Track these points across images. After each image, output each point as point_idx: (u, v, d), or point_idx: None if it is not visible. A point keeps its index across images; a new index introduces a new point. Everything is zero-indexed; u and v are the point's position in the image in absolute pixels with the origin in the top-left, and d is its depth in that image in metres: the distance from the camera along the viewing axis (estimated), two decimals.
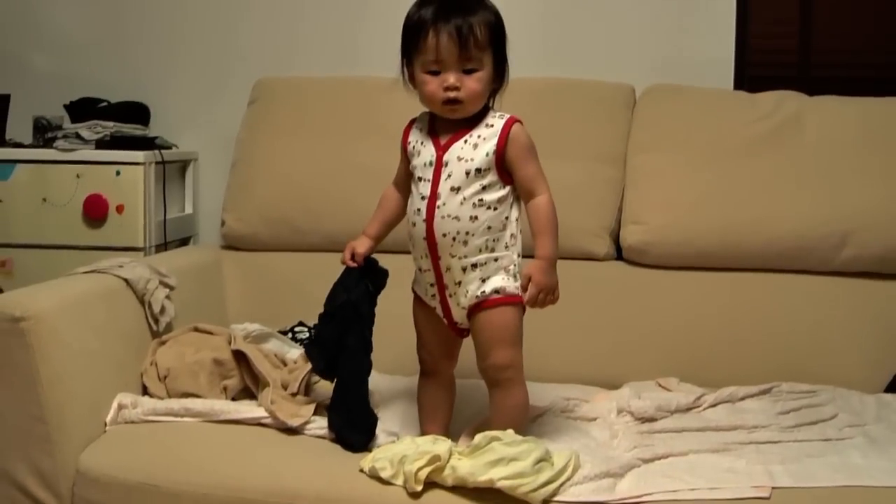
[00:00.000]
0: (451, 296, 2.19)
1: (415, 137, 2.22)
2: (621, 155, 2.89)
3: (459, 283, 2.16)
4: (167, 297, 2.53)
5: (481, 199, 2.12)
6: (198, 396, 2.34)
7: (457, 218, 2.12)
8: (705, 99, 2.94)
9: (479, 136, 2.13)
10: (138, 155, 3.12)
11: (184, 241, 3.39)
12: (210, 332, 2.51)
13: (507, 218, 2.15)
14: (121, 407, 2.28)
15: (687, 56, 3.13)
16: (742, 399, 2.48)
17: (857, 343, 2.67)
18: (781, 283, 2.74)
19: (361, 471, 2.02)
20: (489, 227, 2.12)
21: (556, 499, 1.93)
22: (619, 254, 2.86)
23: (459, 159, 2.13)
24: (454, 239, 2.12)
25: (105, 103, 3.34)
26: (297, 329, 2.71)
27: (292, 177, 2.98)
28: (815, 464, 2.07)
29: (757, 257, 2.75)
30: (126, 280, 2.44)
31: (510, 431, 2.03)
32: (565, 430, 2.24)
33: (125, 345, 2.40)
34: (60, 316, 2.21)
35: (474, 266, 2.13)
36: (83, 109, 3.31)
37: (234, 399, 2.35)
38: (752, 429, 2.28)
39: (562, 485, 1.94)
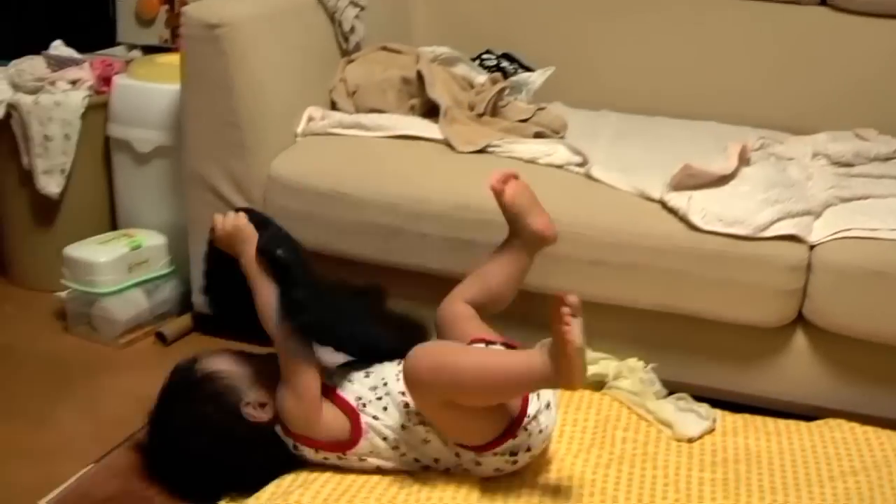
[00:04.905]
0: None
1: None
2: None
3: None
4: (357, 16, 2.50)
5: None
6: (385, 113, 2.35)
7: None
8: None
9: None
10: None
11: None
12: (399, 52, 2.49)
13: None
14: (311, 119, 2.31)
15: None
16: None
17: None
18: None
19: None
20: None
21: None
22: None
23: None
24: None
25: None
26: (484, 56, 2.67)
27: None
28: None
29: None
30: None
31: None
32: (761, 165, 2.16)
33: (315, 60, 2.41)
34: (254, 25, 2.22)
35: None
36: None
37: (422, 117, 2.35)
38: None
39: None
